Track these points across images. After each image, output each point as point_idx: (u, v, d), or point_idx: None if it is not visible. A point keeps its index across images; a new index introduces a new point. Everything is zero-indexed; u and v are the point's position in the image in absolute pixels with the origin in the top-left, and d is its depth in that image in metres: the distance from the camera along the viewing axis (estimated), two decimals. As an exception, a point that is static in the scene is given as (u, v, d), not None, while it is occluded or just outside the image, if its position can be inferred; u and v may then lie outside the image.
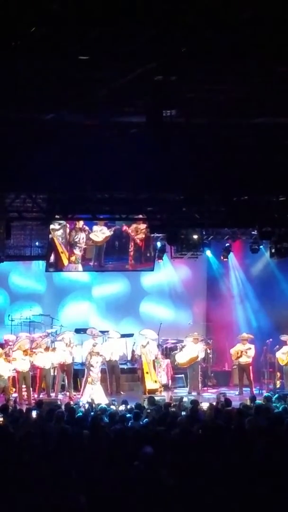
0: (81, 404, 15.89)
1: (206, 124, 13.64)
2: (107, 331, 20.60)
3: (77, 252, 20.88)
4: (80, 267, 21.12)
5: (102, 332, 20.63)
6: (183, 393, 19.21)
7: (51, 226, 19.37)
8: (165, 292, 23.37)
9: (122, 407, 14.65)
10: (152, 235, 20.05)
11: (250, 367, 20.20)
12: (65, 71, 10.64)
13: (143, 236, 21.15)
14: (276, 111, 12.93)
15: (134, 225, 20.99)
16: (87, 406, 15.13)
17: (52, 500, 7.52)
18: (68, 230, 20.62)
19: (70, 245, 20.76)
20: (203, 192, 16.03)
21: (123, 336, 20.91)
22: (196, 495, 7.77)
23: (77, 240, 20.77)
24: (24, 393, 18.87)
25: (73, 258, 20.88)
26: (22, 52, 9.56)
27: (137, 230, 21.11)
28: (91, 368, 18.40)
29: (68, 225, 20.53)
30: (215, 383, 21.57)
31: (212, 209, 17.13)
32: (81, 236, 20.77)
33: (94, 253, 21.10)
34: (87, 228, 20.75)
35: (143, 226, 20.56)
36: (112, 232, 20.92)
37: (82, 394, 18.81)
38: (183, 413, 13.18)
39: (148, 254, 21.54)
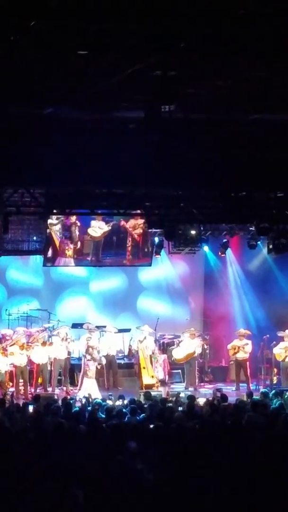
0: (77, 398, 15.91)
1: (204, 120, 13.63)
2: (105, 326, 20.60)
3: (72, 246, 20.85)
4: (72, 261, 21.08)
5: (99, 327, 20.65)
6: (180, 389, 19.22)
7: (49, 221, 19.34)
8: (163, 287, 23.37)
9: (118, 402, 14.66)
10: (150, 230, 20.04)
11: (247, 363, 20.21)
12: (64, 66, 10.62)
13: (141, 231, 21.13)
14: (275, 107, 12.92)
15: (132, 220, 20.97)
16: (84, 400, 15.14)
17: (49, 495, 7.53)
18: (63, 225, 20.57)
19: (70, 239, 20.71)
20: (201, 188, 16.04)
21: (120, 331, 20.93)
22: (192, 490, 7.78)
23: (74, 235, 20.75)
24: (21, 388, 18.88)
25: (69, 253, 20.86)
26: (21, 47, 9.55)
27: (135, 226, 21.10)
28: (89, 362, 18.40)
29: (64, 220, 20.49)
30: (212, 378, 21.58)
31: (210, 204, 17.14)
32: (76, 232, 20.75)
33: (92, 248, 21.08)
34: (78, 223, 20.68)
35: (141, 221, 20.54)
36: (110, 227, 20.90)
37: (79, 388, 18.86)
38: (180, 408, 13.21)
39: (146, 250, 21.52)
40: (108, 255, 21.33)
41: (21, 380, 18.89)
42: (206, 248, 21.73)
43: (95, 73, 11.13)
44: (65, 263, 21.10)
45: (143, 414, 12.23)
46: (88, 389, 17.63)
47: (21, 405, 14.26)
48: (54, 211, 17.51)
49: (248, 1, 8.61)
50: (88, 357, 18.47)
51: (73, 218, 20.45)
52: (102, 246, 21.12)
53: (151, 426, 10.87)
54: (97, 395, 16.97)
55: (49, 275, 22.28)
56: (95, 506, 7.51)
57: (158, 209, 17.42)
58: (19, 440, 9.93)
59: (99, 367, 18.73)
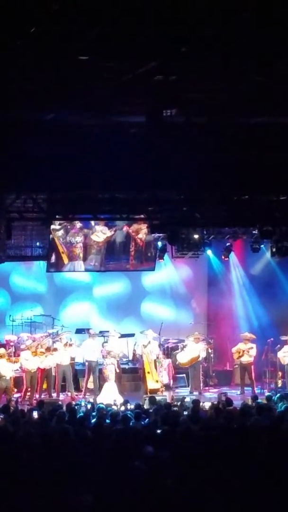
0: (83, 404, 15.90)
1: (206, 124, 13.64)
2: (108, 331, 20.59)
3: (78, 251, 20.89)
4: (81, 264, 21.06)
5: (102, 332, 20.67)
6: (185, 393, 19.21)
7: (52, 226, 19.36)
8: (166, 291, 23.37)
9: (123, 407, 14.64)
10: (153, 234, 20.03)
11: (252, 367, 20.19)
12: (65, 71, 10.63)
13: (144, 236, 21.14)
14: (277, 110, 12.93)
15: (135, 225, 20.97)
16: (89, 406, 15.12)
17: (54, 501, 7.52)
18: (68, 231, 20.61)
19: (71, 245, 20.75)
20: (204, 192, 16.04)
21: (123, 336, 20.91)
22: (198, 495, 7.76)
23: (77, 241, 20.77)
24: (27, 393, 18.88)
25: (80, 255, 20.87)
26: (22, 52, 9.56)
27: (138, 230, 21.10)
28: (108, 367, 18.58)
29: (68, 226, 20.52)
30: (216, 382, 21.55)
31: (213, 208, 17.13)
32: (79, 239, 20.77)
33: (95, 253, 21.09)
34: (84, 230, 20.73)
35: (144, 226, 20.54)
36: (113, 232, 20.92)
37: (84, 393, 18.94)
38: (185, 412, 13.18)
39: (149, 254, 21.53)
40: (111, 260, 21.33)
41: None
42: (209, 252, 21.70)
43: (97, 78, 11.14)
44: (76, 267, 21.02)
45: (148, 419, 12.21)
46: (109, 393, 17.74)
47: (25, 411, 14.24)
48: (57, 216, 17.51)
49: (249, 5, 8.60)
50: (108, 361, 18.60)
51: (78, 225, 20.50)
52: (105, 251, 21.13)
53: (158, 431, 10.85)
54: (117, 398, 17.06)
55: (52, 280, 22.28)
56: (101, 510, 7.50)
57: (161, 213, 17.42)
58: (23, 445, 9.91)
59: (118, 370, 18.88)
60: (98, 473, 8.50)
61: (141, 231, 21.01)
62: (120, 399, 16.75)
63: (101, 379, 18.88)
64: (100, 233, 20.83)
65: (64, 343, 19.46)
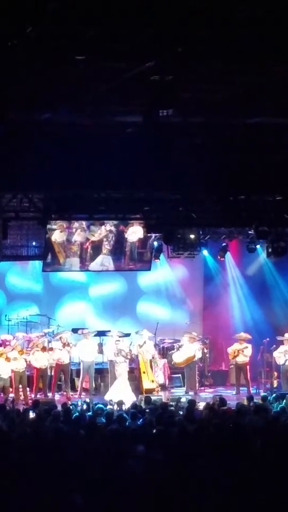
0: (79, 404, 15.91)
1: (202, 124, 13.64)
2: (109, 331, 20.54)
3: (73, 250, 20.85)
4: (77, 261, 20.99)
5: (102, 331, 20.65)
6: (180, 393, 19.22)
7: (48, 226, 19.33)
8: (162, 291, 23.38)
9: (118, 408, 14.64)
10: (149, 234, 20.03)
11: (247, 367, 20.20)
12: (62, 71, 10.63)
13: (140, 235, 21.09)
14: (273, 111, 12.93)
15: (130, 225, 20.93)
16: (85, 406, 15.13)
17: (47, 500, 7.52)
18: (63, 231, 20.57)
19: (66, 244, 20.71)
20: (200, 192, 16.05)
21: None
22: (193, 495, 7.77)
23: (71, 240, 20.74)
24: (21, 393, 18.85)
25: (77, 251, 20.83)
26: (18, 52, 9.54)
27: (134, 230, 21.05)
28: (121, 364, 18.74)
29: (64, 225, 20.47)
30: (212, 382, 21.57)
31: (209, 208, 17.15)
32: (73, 238, 20.74)
33: (91, 253, 21.05)
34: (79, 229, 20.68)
35: (140, 225, 20.49)
36: (108, 232, 20.88)
37: (80, 393, 18.90)
38: (180, 412, 13.19)
39: (145, 254, 21.49)
40: (109, 259, 21.28)
41: (20, 386, 18.86)
42: (205, 252, 21.72)
43: (93, 78, 11.14)
44: (71, 265, 20.97)
45: (141, 419, 12.21)
46: (121, 391, 17.83)
47: (21, 410, 14.23)
48: (53, 216, 17.51)
49: (246, 5, 8.61)
50: (120, 359, 18.70)
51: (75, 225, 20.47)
52: (101, 251, 21.08)
53: (154, 430, 10.86)
54: (130, 396, 17.08)
55: (48, 280, 22.27)
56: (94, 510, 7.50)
57: (157, 213, 17.44)
58: (18, 445, 9.91)
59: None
60: (91, 472, 8.51)
61: (137, 231, 20.98)
62: (133, 397, 16.83)
63: (112, 377, 18.91)
64: (96, 232, 20.79)
65: (64, 343, 19.43)
